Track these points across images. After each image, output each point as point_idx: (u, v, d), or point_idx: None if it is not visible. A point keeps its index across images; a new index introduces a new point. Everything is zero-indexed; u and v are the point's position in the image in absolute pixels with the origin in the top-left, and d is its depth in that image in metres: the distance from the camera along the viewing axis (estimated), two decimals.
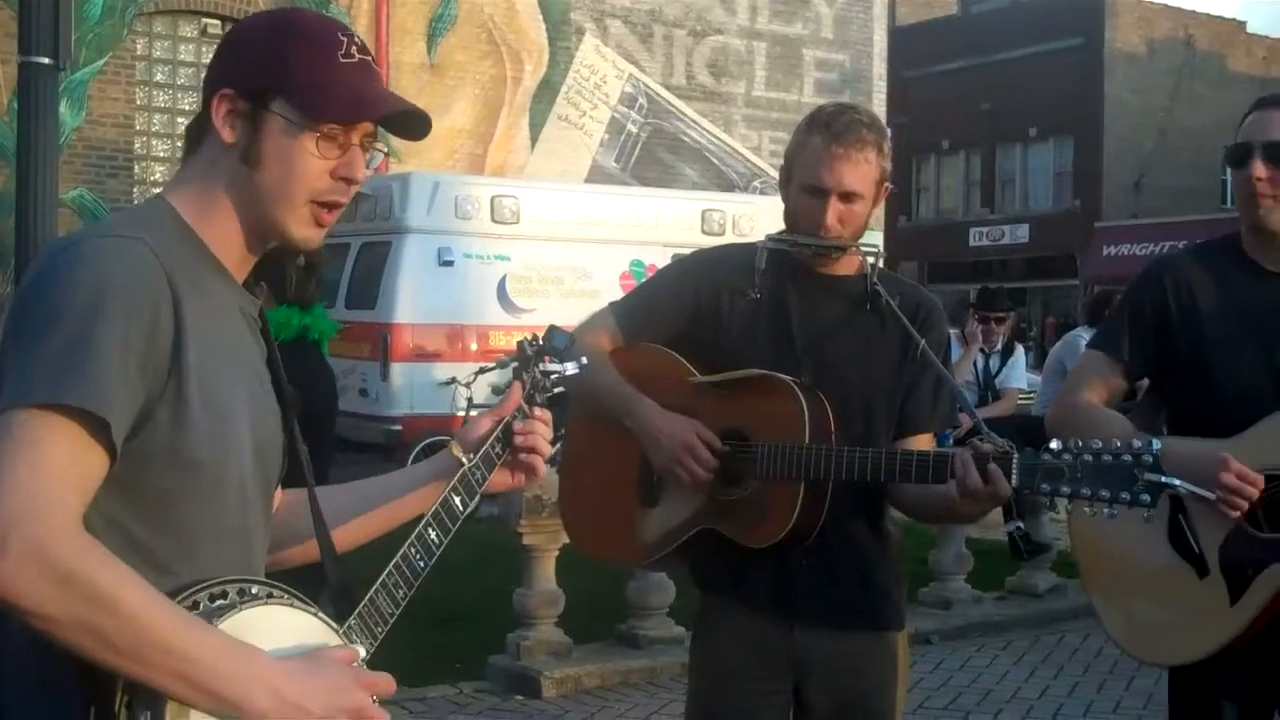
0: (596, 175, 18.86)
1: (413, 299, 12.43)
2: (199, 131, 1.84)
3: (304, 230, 1.83)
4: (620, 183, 18.47)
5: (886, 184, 2.99)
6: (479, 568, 8.02)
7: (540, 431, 2.19)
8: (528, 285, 12.78)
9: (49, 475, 1.57)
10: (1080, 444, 2.54)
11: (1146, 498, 2.49)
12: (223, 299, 1.82)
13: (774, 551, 2.85)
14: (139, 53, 15.96)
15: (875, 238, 14.46)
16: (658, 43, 19.94)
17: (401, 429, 12.17)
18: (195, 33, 16.39)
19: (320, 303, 4.87)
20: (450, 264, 12.52)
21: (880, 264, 2.98)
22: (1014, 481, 2.58)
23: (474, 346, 12.52)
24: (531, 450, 2.18)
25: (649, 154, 19.65)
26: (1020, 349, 10.02)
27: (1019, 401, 9.92)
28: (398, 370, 12.23)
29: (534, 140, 18.69)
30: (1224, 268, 3.10)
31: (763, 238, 2.99)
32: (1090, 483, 2.51)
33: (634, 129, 19.62)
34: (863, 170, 2.89)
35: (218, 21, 16.50)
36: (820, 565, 2.92)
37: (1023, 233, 37.52)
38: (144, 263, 1.68)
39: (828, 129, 2.90)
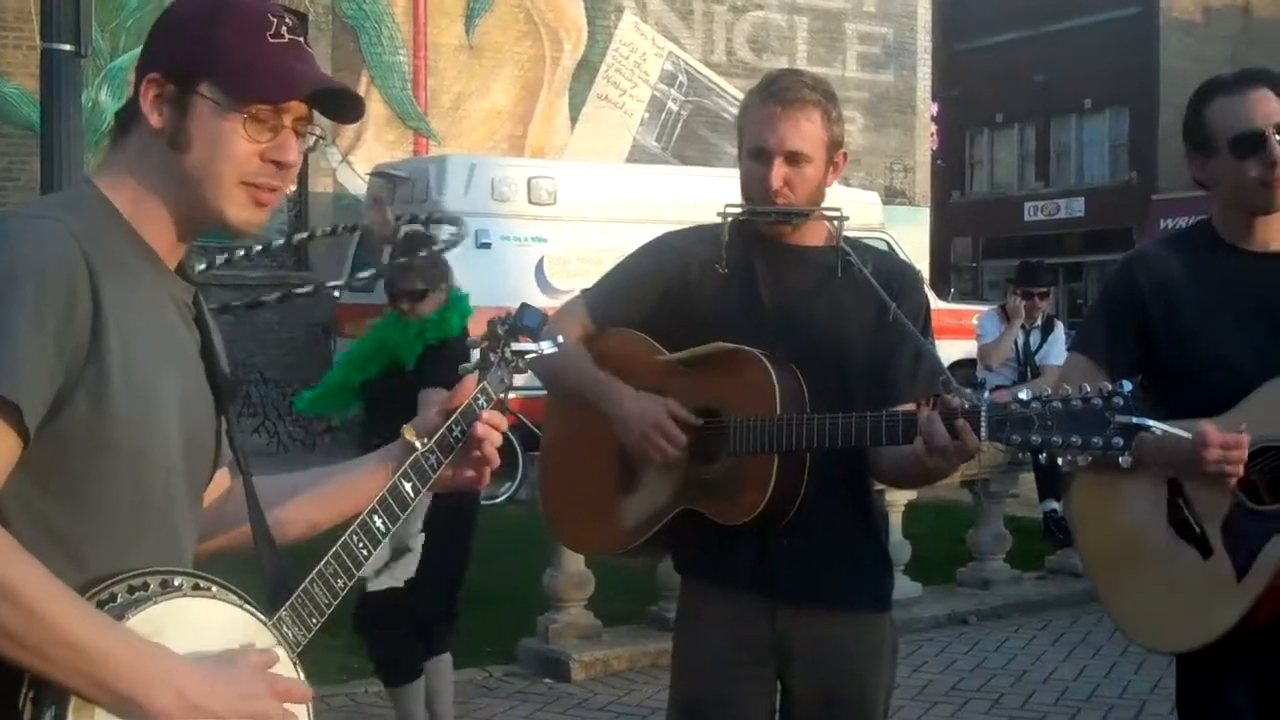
0: (638, 154, 18.81)
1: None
2: (128, 118, 1.81)
3: (242, 213, 1.80)
4: (662, 162, 18.40)
5: (842, 152, 2.93)
6: (508, 551, 7.99)
7: (492, 439, 2.09)
8: (566, 267, 12.73)
9: None
10: (1050, 391, 2.46)
11: (1119, 441, 2.39)
12: (152, 286, 1.79)
13: (753, 530, 2.79)
14: None
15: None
16: (697, 19, 19.82)
17: None
18: None
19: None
20: (487, 246, 12.50)
21: (844, 227, 2.90)
22: (983, 434, 2.51)
23: None
24: (481, 453, 2.08)
25: (690, 132, 19.56)
26: (1060, 326, 9.85)
27: None
28: None
29: (574, 120, 18.65)
30: (1198, 253, 3.05)
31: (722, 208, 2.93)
32: (1061, 430, 2.42)
33: (674, 107, 19.53)
34: (805, 130, 2.83)
35: None
36: (801, 544, 2.83)
37: (1078, 206, 37.05)
38: (60, 244, 1.65)
39: (767, 90, 2.86)
